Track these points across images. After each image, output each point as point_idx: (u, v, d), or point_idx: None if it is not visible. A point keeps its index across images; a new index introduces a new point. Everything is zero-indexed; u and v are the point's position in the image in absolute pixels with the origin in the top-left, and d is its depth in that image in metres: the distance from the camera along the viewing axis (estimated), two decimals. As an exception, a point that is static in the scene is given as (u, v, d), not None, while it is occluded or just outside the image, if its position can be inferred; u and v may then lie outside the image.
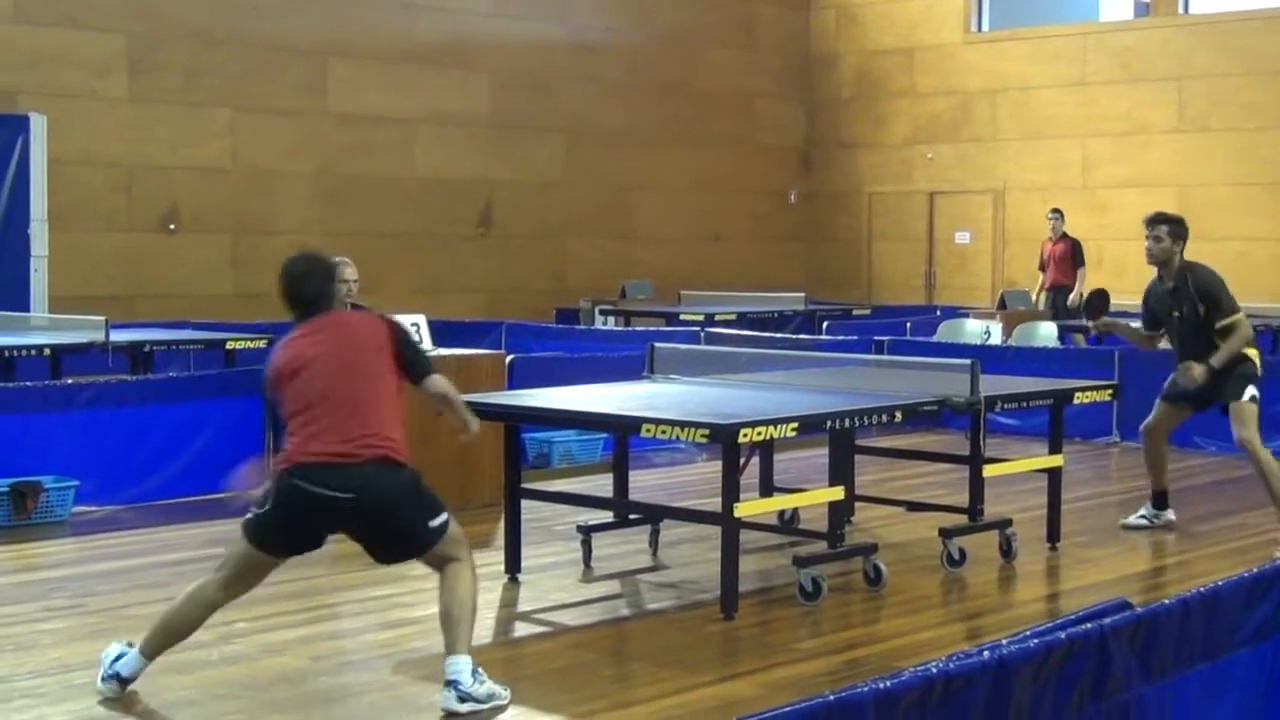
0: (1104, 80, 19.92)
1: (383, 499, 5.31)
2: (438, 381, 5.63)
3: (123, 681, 5.33)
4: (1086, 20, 20.87)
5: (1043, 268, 17.40)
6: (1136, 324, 9.09)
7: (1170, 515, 8.99)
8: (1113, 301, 9.01)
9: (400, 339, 5.57)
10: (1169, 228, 8.53)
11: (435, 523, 5.38)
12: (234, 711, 5.34)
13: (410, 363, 5.57)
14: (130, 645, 5.40)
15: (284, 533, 5.41)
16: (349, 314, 5.81)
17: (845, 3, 22.19)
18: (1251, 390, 8.45)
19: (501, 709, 5.25)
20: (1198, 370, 8.29)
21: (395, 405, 5.50)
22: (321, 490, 5.24)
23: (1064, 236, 17.00)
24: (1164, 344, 8.98)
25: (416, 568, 7.61)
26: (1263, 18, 18.89)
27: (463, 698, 5.20)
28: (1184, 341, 8.56)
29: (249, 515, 5.41)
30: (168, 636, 5.40)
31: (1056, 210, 17.34)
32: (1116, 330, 9.36)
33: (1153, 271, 8.70)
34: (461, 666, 5.23)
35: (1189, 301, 8.44)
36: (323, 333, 5.46)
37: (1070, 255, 16.85)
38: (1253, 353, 8.58)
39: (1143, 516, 8.97)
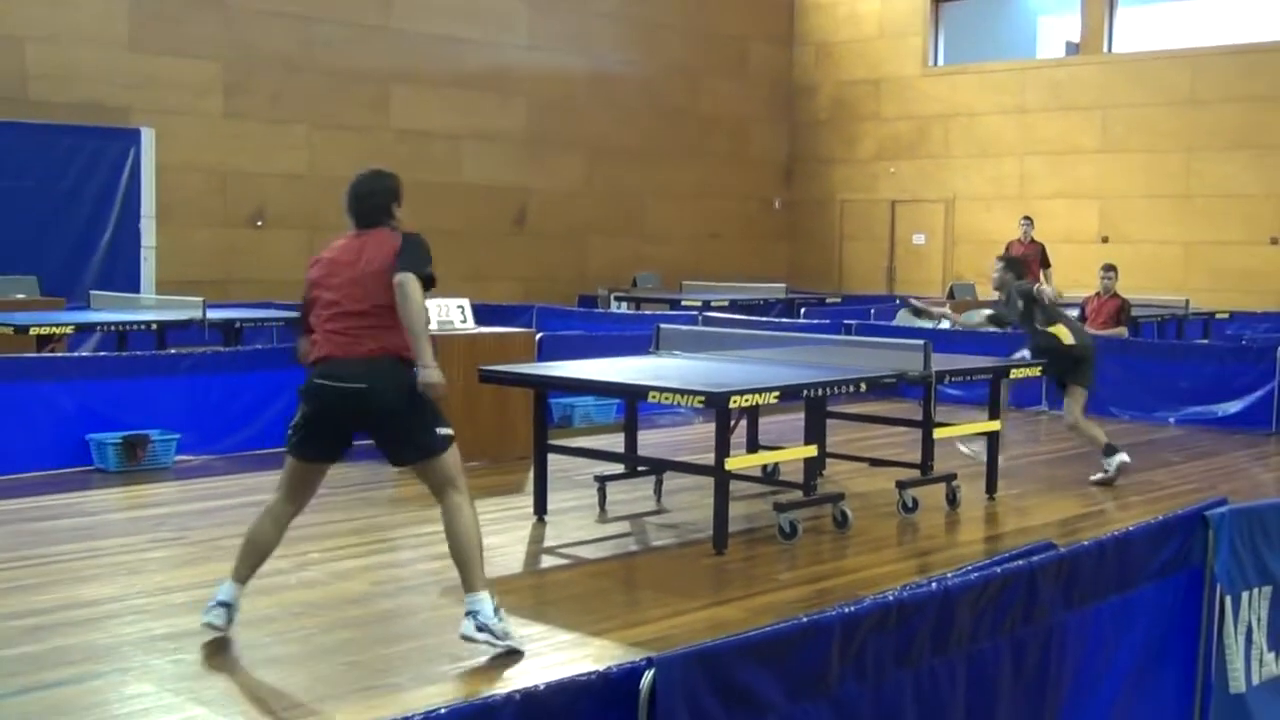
0: (1039, 108, 19.85)
1: (390, 389, 4.90)
2: (404, 279, 4.88)
3: (225, 606, 5.08)
4: (1025, 57, 20.76)
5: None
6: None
7: (1121, 459, 8.86)
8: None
9: (401, 247, 5.00)
10: (1003, 265, 9.16)
11: (442, 430, 5.00)
12: (309, 627, 5.37)
13: (399, 262, 4.92)
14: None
15: (313, 437, 5.07)
16: (383, 232, 5.10)
17: (823, 41, 22.10)
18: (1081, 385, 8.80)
19: (517, 655, 4.91)
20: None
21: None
22: (336, 383, 4.91)
23: (1033, 241, 16.85)
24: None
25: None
26: (1173, 57, 18.80)
27: (480, 627, 4.87)
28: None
29: (288, 434, 5.16)
30: (255, 554, 5.19)
31: (1028, 218, 17.19)
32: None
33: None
34: (481, 599, 4.89)
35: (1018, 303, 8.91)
36: (354, 246, 5.11)
37: (1039, 257, 16.70)
38: (1064, 340, 8.80)
39: (1105, 469, 8.87)
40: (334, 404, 4.98)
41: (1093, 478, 8.78)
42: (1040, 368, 8.82)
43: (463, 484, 5.09)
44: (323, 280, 5.13)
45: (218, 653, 5.00)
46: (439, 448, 5.01)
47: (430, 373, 4.91)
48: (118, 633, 5.24)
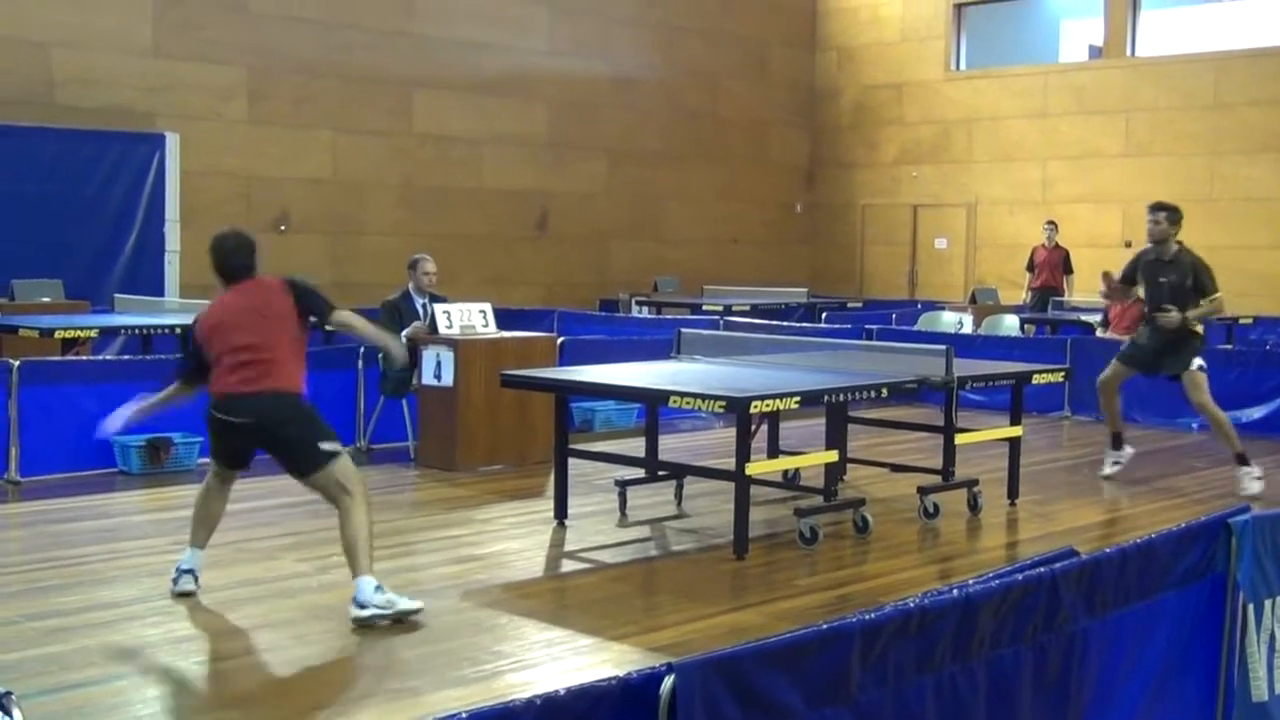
0: (1062, 112, 19.78)
1: (274, 419, 5.54)
2: (338, 316, 5.81)
3: (186, 572, 5.72)
4: (1047, 61, 20.70)
5: (1031, 268, 17.10)
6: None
7: (1129, 450, 9.09)
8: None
9: (297, 293, 5.72)
10: (1167, 214, 8.80)
11: (326, 446, 5.54)
12: (329, 630, 5.38)
13: (309, 309, 5.74)
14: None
15: (218, 451, 5.81)
16: (262, 280, 5.84)
17: (845, 44, 22.07)
18: (1199, 361, 8.59)
19: (410, 613, 5.36)
20: (1175, 316, 8.53)
21: (295, 347, 5.70)
22: (227, 417, 5.59)
23: (1057, 246, 16.75)
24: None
25: (479, 519, 7.70)
26: (1196, 60, 18.72)
27: (362, 605, 5.30)
28: (1160, 302, 8.72)
29: None
30: (204, 526, 5.82)
31: (1051, 222, 17.10)
32: (1115, 295, 9.59)
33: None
34: (364, 584, 5.35)
35: (1179, 272, 8.64)
36: (241, 296, 5.74)
37: (1062, 262, 16.58)
38: (1200, 330, 8.75)
39: (1114, 464, 9.04)
40: (225, 432, 5.76)
41: (1103, 473, 8.90)
42: (1143, 351, 8.77)
43: (358, 490, 5.60)
44: (220, 324, 5.84)
45: (241, 654, 5.02)
46: (323, 461, 5.56)
47: (396, 347, 6.32)
48: (141, 634, 5.26)
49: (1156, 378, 9.15)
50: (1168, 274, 8.68)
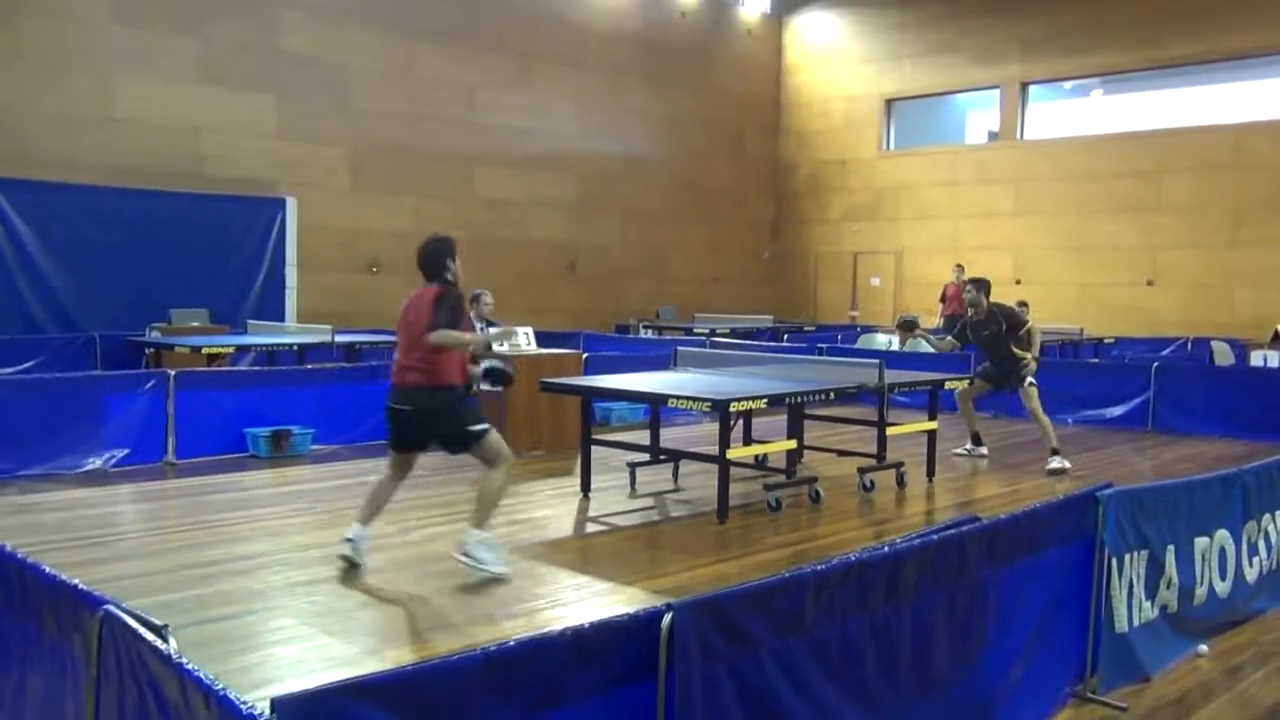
0: (968, 181, 19.78)
1: (425, 411, 5.15)
2: (432, 336, 5.05)
3: (350, 542, 5.35)
4: (956, 143, 20.71)
5: (943, 300, 17.03)
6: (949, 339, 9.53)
7: (983, 450, 9.13)
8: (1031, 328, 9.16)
9: (436, 303, 5.09)
10: (977, 286, 9.02)
11: (474, 428, 5.18)
12: (408, 578, 5.36)
13: (433, 320, 5.06)
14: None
15: (391, 434, 5.37)
16: (436, 285, 5.24)
17: (802, 130, 22.08)
18: (1030, 379, 8.83)
19: (502, 580, 5.15)
20: (1031, 365, 8.77)
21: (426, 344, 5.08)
22: (391, 404, 5.23)
23: (964, 282, 16.61)
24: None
25: (524, 492, 7.69)
26: (1071, 142, 18.70)
27: (467, 553, 5.18)
28: (987, 349, 8.97)
29: None
30: (373, 506, 5.47)
31: (959, 265, 17.07)
32: (943, 346, 9.57)
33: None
34: (472, 536, 5.16)
35: (994, 325, 8.82)
36: (416, 295, 5.31)
37: None
38: (1029, 355, 8.85)
39: (965, 449, 9.11)
40: (393, 417, 5.32)
41: (955, 451, 9.02)
42: (990, 375, 8.88)
43: (502, 462, 5.26)
44: (400, 318, 5.37)
45: (341, 596, 5.02)
46: (472, 440, 5.23)
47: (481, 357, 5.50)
48: (266, 580, 5.27)
49: (1002, 392, 9.26)
50: (988, 327, 8.88)
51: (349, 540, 5.36)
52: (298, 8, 15.18)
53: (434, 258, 5.31)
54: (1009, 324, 8.83)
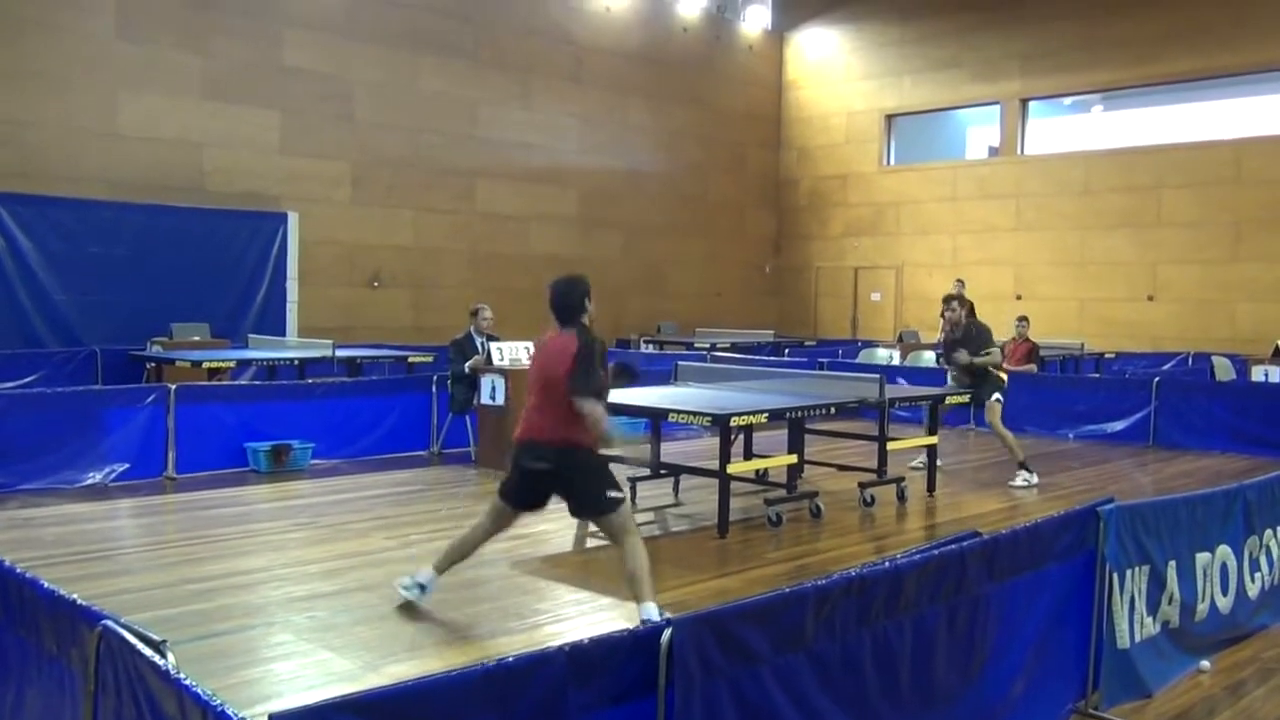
0: (967, 197, 19.82)
1: (566, 471, 4.68)
2: (582, 404, 4.61)
3: (421, 587, 4.99)
4: (956, 158, 20.76)
5: (944, 316, 16.99)
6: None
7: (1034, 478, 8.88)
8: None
9: (576, 357, 4.63)
10: (959, 303, 9.11)
11: (611, 494, 4.70)
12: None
13: (572, 378, 4.61)
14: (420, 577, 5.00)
15: (515, 489, 4.86)
16: (574, 332, 4.75)
17: (803, 146, 22.15)
18: (997, 395, 8.81)
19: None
20: (963, 357, 8.77)
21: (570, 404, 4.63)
22: (528, 463, 4.73)
23: (963, 298, 16.56)
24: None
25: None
26: (1070, 158, 18.75)
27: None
28: (962, 364, 8.91)
29: (502, 480, 4.95)
30: (457, 556, 5.06)
31: (959, 280, 16.91)
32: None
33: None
34: (649, 609, 4.51)
35: (969, 340, 8.87)
36: (552, 342, 4.82)
37: (969, 310, 16.37)
38: (995, 373, 8.85)
39: (1022, 479, 8.76)
40: (526, 475, 4.82)
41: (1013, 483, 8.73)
42: (971, 388, 8.80)
43: (635, 532, 4.75)
44: (533, 364, 4.88)
45: (340, 611, 5.00)
46: (607, 508, 4.73)
47: (607, 442, 4.79)
48: (266, 595, 5.26)
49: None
50: (966, 344, 8.92)
51: (420, 586, 4.98)
52: (301, 24, 15.24)
53: (569, 299, 4.82)
54: (978, 340, 8.86)
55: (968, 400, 8.97)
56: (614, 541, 4.78)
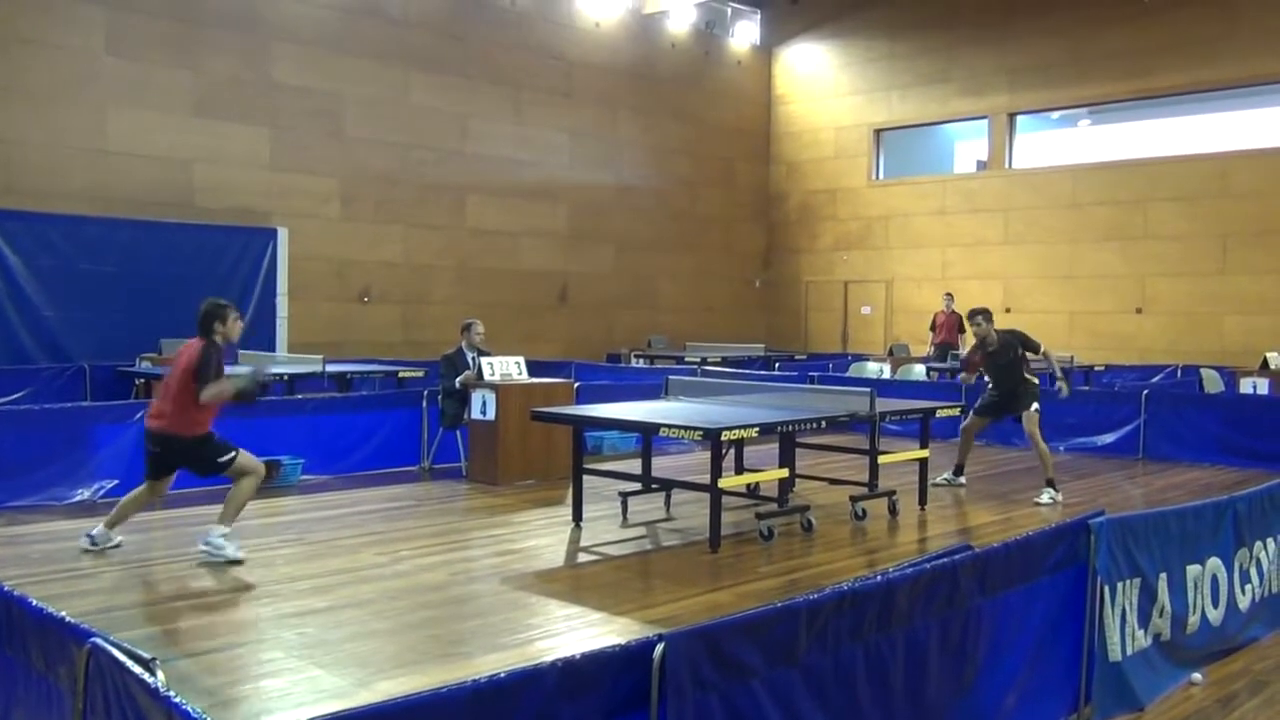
0: (956, 211, 19.92)
1: (175, 452, 5.94)
2: (203, 392, 5.84)
3: (92, 538, 6.16)
4: (945, 172, 20.87)
5: (933, 329, 17.00)
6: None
7: (961, 480, 9.07)
8: (960, 351, 9.11)
9: (197, 360, 5.86)
10: (984, 317, 8.89)
11: (223, 459, 5.98)
12: (400, 608, 5.34)
13: (195, 378, 5.84)
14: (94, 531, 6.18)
15: (148, 466, 6.09)
16: (201, 340, 5.99)
17: (792, 160, 22.25)
18: (1036, 404, 8.56)
19: (237, 562, 5.89)
20: (1065, 390, 8.86)
21: (186, 396, 5.83)
22: (146, 444, 6.03)
23: (953, 311, 16.66)
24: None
25: (515, 521, 7.66)
26: (1058, 171, 18.86)
27: (206, 544, 5.98)
28: (1002, 379, 8.63)
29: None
30: (120, 516, 6.20)
31: (949, 294, 17.12)
32: (971, 378, 9.50)
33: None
34: (215, 529, 5.94)
35: (1007, 352, 8.59)
36: (182, 347, 6.06)
37: (957, 324, 16.37)
38: (1034, 380, 8.80)
39: (945, 478, 9.10)
40: (149, 454, 6.27)
41: (934, 481, 8.83)
42: (1008, 399, 8.75)
43: (252, 474, 6.11)
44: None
45: (331, 628, 4.98)
46: (224, 468, 6.09)
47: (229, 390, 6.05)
48: (256, 611, 5.23)
49: (1003, 420, 9.19)
50: (1002, 358, 8.76)
51: (89, 538, 6.22)
52: (290, 40, 15.27)
53: (204, 319, 6.08)
54: (1025, 346, 8.74)
55: (997, 416, 8.91)
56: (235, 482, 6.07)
